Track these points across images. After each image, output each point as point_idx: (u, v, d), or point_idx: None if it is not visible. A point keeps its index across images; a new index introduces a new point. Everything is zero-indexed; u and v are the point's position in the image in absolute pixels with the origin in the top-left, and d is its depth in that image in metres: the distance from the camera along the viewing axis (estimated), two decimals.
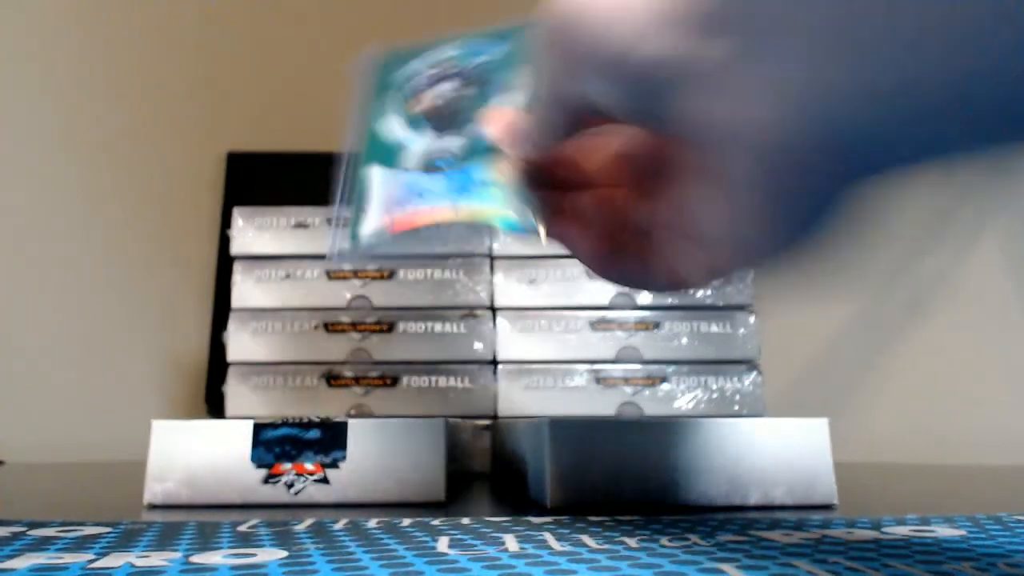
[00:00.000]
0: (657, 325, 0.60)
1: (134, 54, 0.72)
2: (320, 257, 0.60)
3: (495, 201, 0.30)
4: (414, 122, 0.34)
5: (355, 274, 0.59)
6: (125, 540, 0.27)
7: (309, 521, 0.31)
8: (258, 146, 0.74)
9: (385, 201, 0.32)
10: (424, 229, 0.30)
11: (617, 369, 0.60)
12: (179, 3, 0.75)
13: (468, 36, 0.36)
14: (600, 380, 0.59)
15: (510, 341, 0.60)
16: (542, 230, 0.29)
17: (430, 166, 0.32)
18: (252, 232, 0.59)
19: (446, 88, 0.34)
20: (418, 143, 0.33)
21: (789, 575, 0.20)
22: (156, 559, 0.23)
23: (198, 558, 0.24)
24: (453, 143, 0.32)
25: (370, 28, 0.87)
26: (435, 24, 0.91)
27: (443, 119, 0.34)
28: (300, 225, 0.60)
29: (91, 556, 0.24)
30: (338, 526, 0.30)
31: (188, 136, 0.75)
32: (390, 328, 0.59)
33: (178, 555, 0.24)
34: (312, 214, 0.61)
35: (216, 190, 0.73)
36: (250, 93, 0.79)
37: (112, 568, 0.22)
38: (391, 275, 0.60)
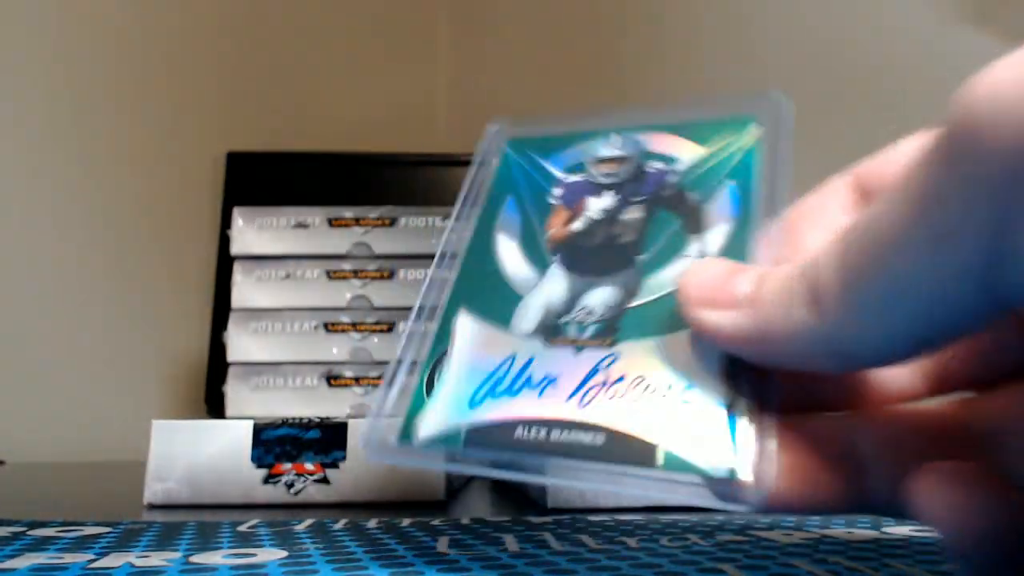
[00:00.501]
0: None
1: (134, 54, 0.72)
2: (320, 257, 0.60)
3: (664, 414, 0.18)
4: (538, 256, 0.22)
5: (355, 274, 0.59)
6: (125, 540, 0.27)
7: (309, 521, 0.31)
8: (258, 146, 0.74)
9: (468, 379, 0.20)
10: (522, 433, 0.19)
11: None
12: (178, 3, 0.75)
13: (650, 123, 0.24)
14: None
15: None
16: (770, 479, 0.16)
17: (554, 331, 0.20)
18: (252, 232, 0.59)
19: (601, 205, 0.23)
20: (543, 289, 0.21)
21: (789, 575, 0.20)
22: (156, 559, 0.23)
23: (198, 558, 0.24)
24: (599, 297, 0.21)
25: (372, 28, 0.87)
26: (434, 23, 0.91)
27: (587, 255, 0.22)
28: (300, 225, 0.60)
29: (91, 556, 0.24)
30: (338, 526, 0.30)
31: (188, 136, 0.75)
32: (390, 328, 0.59)
33: (178, 555, 0.24)
34: (312, 214, 0.61)
35: (216, 190, 0.73)
36: (250, 93, 0.79)
37: (112, 568, 0.22)
38: (391, 275, 0.60)
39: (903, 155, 0.19)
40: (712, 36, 0.77)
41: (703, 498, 0.17)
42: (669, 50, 0.79)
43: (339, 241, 0.60)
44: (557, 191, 0.23)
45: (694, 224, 0.21)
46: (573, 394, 0.19)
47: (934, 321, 0.14)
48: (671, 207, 0.22)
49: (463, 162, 0.73)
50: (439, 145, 0.88)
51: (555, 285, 0.22)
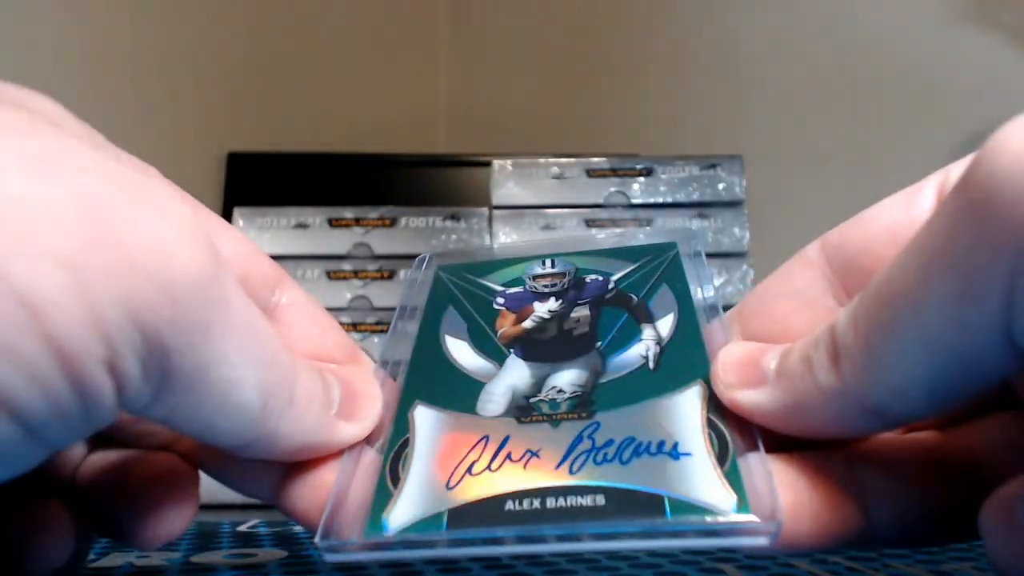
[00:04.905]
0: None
1: (133, 53, 0.72)
2: (320, 257, 0.60)
3: (662, 469, 0.18)
4: (492, 350, 0.22)
5: (355, 274, 0.59)
6: None
7: None
8: (258, 146, 0.74)
9: (439, 463, 0.19)
10: (513, 506, 0.18)
11: None
12: (178, 3, 0.75)
13: (579, 250, 0.25)
14: None
15: None
16: (781, 513, 0.16)
17: (525, 411, 0.20)
18: (252, 232, 0.59)
19: (548, 307, 0.23)
20: (505, 375, 0.21)
21: (789, 575, 0.20)
22: (156, 559, 0.23)
23: (198, 558, 0.24)
24: (566, 378, 0.21)
25: (372, 29, 0.87)
26: (434, 24, 0.92)
27: (544, 346, 0.22)
28: (300, 225, 0.60)
29: (92, 556, 0.24)
30: None
31: (188, 136, 0.75)
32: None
33: (178, 555, 0.24)
34: (312, 214, 0.61)
35: (216, 190, 0.73)
36: (250, 93, 0.79)
37: (112, 568, 0.22)
38: (391, 275, 0.60)
39: (882, 222, 0.19)
40: (714, 37, 0.77)
41: (715, 541, 0.17)
42: (670, 52, 0.79)
43: (339, 241, 0.60)
44: (499, 299, 0.24)
45: (642, 315, 0.22)
46: (561, 462, 0.18)
47: (960, 373, 0.14)
48: (616, 305, 0.23)
49: (463, 163, 0.73)
50: (439, 146, 0.88)
51: (518, 371, 0.21)
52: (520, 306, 0.23)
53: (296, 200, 0.62)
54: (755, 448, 0.18)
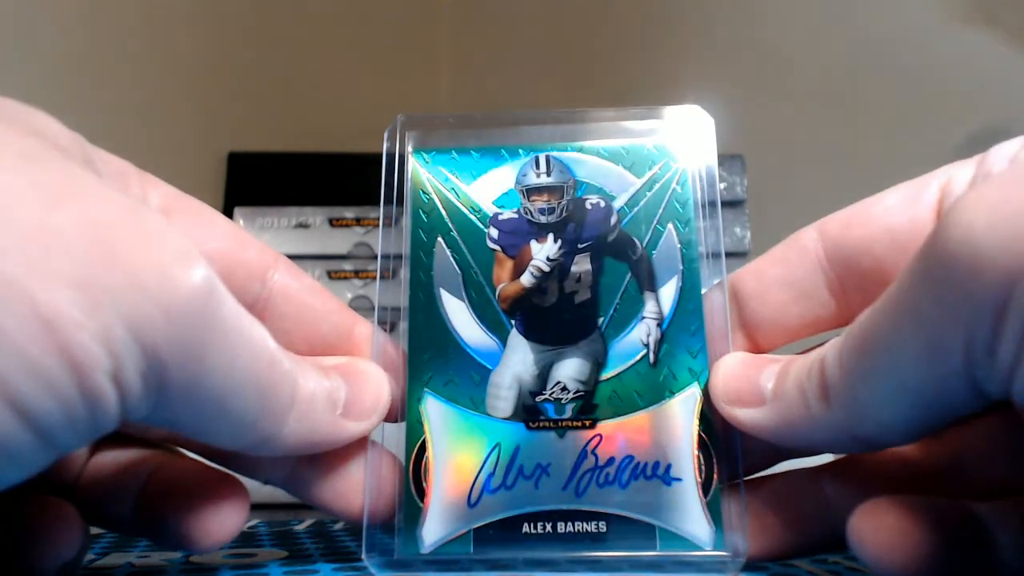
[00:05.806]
0: None
1: (133, 53, 0.72)
2: (321, 257, 0.60)
3: (656, 496, 0.20)
4: (492, 319, 0.22)
5: (356, 274, 0.59)
6: (125, 540, 0.27)
7: (309, 521, 0.31)
8: (258, 146, 0.74)
9: (457, 474, 0.20)
10: (529, 528, 0.20)
11: None
12: (179, 3, 0.75)
13: (576, 144, 0.23)
14: None
15: None
16: (744, 548, 0.19)
17: (532, 414, 0.21)
18: (253, 232, 0.59)
19: (546, 252, 0.22)
20: (510, 363, 0.21)
21: (789, 575, 0.20)
22: (156, 559, 0.24)
23: (198, 558, 0.24)
24: (569, 370, 0.21)
25: (373, 28, 0.87)
26: (436, 24, 0.92)
27: (546, 320, 0.22)
28: (300, 225, 0.60)
29: (91, 556, 0.24)
30: (338, 526, 0.30)
31: (188, 136, 0.75)
32: (391, 328, 0.59)
33: (178, 555, 0.24)
34: (312, 214, 0.61)
35: (216, 190, 0.73)
36: (250, 93, 0.79)
37: (112, 568, 0.22)
38: (393, 275, 0.60)
39: (884, 223, 0.20)
40: (714, 37, 0.77)
41: (695, 570, 0.19)
42: (670, 52, 0.79)
43: (340, 241, 0.60)
44: (493, 232, 0.23)
45: (644, 278, 0.22)
46: (568, 482, 0.20)
47: (934, 411, 0.16)
48: (618, 255, 0.22)
49: None
50: None
51: (521, 357, 0.21)
52: (516, 248, 0.22)
53: (296, 200, 0.62)
54: (736, 475, 0.20)
